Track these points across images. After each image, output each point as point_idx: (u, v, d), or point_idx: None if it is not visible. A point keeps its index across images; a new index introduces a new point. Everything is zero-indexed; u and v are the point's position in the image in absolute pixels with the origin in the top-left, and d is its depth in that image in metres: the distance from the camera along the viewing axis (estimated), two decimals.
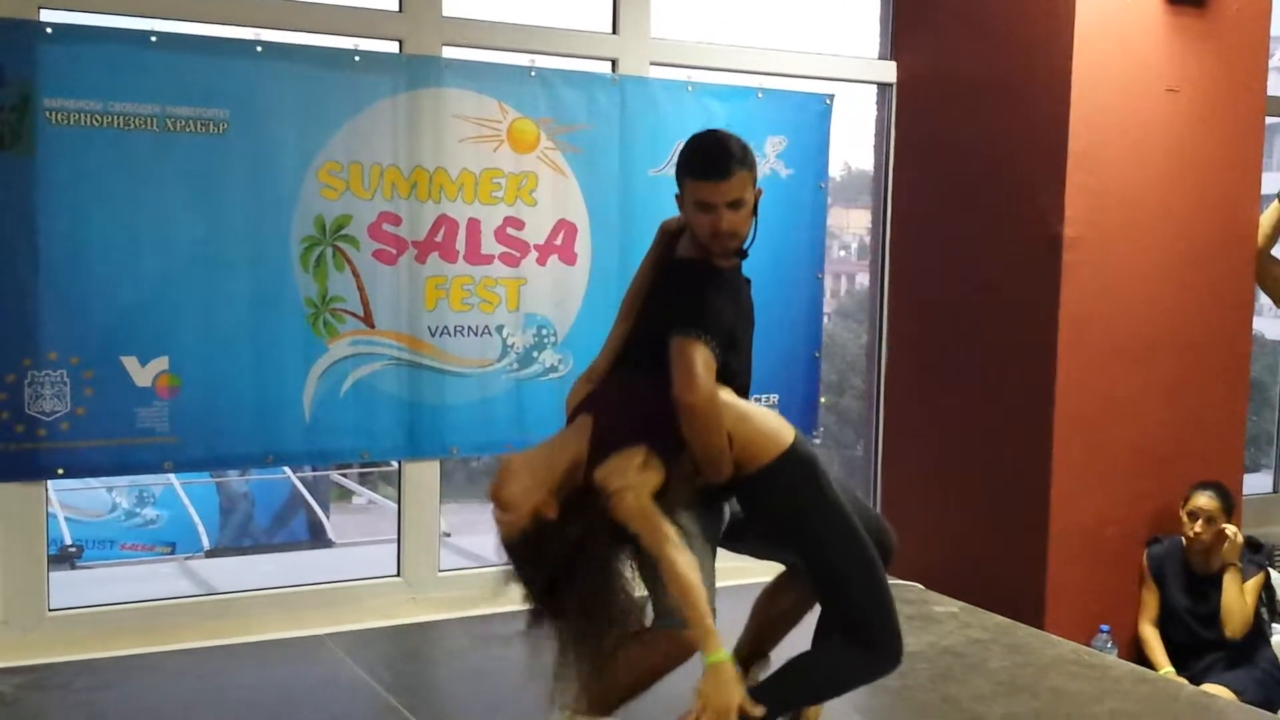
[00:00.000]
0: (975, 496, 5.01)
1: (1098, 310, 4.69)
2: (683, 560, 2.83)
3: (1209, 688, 4.37)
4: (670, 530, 2.85)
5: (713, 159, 2.97)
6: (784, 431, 3.04)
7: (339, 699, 3.76)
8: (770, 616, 3.37)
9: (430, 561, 4.68)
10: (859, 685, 3.19)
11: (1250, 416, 5.86)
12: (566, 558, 2.90)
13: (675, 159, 3.08)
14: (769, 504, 3.07)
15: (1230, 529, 4.65)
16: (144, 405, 4.13)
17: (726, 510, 3.24)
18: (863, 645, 3.03)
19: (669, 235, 3.22)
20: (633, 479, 2.86)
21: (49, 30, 3.94)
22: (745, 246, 3.07)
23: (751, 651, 3.39)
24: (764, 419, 3.05)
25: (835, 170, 6.07)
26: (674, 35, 4.98)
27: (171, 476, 9.67)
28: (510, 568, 3.03)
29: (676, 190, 3.04)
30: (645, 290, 3.20)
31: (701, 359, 2.89)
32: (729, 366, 3.01)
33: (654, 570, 2.98)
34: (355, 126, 4.33)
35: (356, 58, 4.37)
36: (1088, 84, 4.59)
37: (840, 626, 3.07)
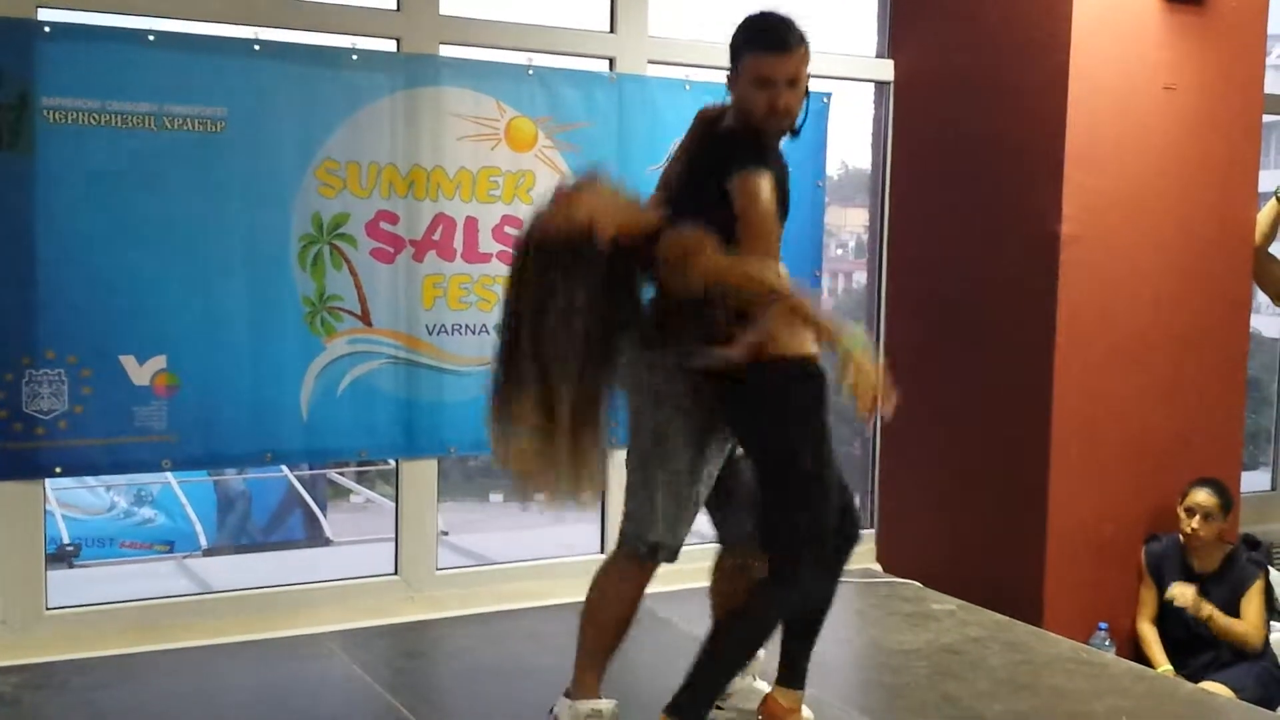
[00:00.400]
0: (973, 494, 5.01)
1: (1096, 308, 4.69)
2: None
3: (1208, 685, 4.38)
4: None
5: (778, 33, 2.99)
6: (810, 342, 3.00)
7: (337, 698, 3.76)
8: (734, 592, 3.34)
9: (428, 560, 4.68)
10: (774, 623, 3.15)
11: (1248, 414, 5.87)
12: (581, 288, 2.91)
13: (734, 34, 3.08)
14: (763, 401, 3.02)
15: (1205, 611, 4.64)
16: (142, 404, 4.12)
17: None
18: (780, 577, 3.04)
19: (706, 122, 3.20)
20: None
21: (47, 29, 3.93)
22: (798, 125, 3.06)
23: None
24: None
25: (833, 169, 6.07)
26: (672, 34, 4.97)
27: (169, 475, 9.66)
28: (517, 266, 3.03)
29: (731, 65, 3.04)
30: (684, 168, 3.16)
31: (766, 183, 2.88)
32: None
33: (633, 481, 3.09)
34: (353, 125, 4.32)
35: (354, 56, 4.37)
36: (1085, 82, 4.59)
37: (771, 545, 3.06)
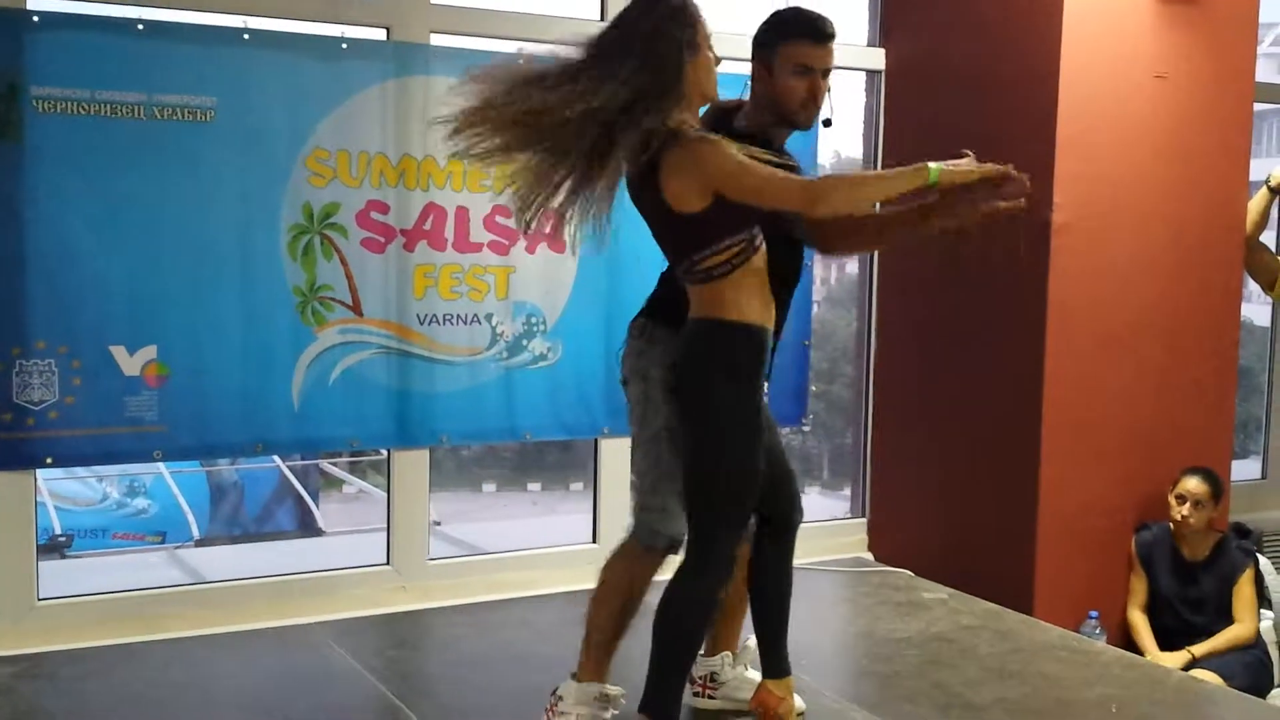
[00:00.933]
0: (964, 483, 5.01)
1: (1087, 296, 4.69)
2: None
3: (1197, 673, 4.39)
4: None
5: (819, 24, 3.13)
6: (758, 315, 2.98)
7: (329, 688, 3.76)
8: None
9: (420, 550, 4.68)
10: (700, 615, 3.08)
11: (1239, 403, 5.87)
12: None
13: (762, 28, 3.20)
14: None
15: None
16: (132, 394, 4.12)
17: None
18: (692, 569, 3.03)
19: (721, 111, 3.26)
20: None
21: (35, 18, 3.92)
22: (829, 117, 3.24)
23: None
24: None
25: (825, 158, 6.06)
26: None
27: (161, 466, 9.66)
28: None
29: (758, 58, 3.15)
30: None
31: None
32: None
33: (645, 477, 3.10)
34: (343, 114, 4.31)
35: (344, 45, 4.36)
36: (1077, 71, 4.60)
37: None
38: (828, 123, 3.25)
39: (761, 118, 3.21)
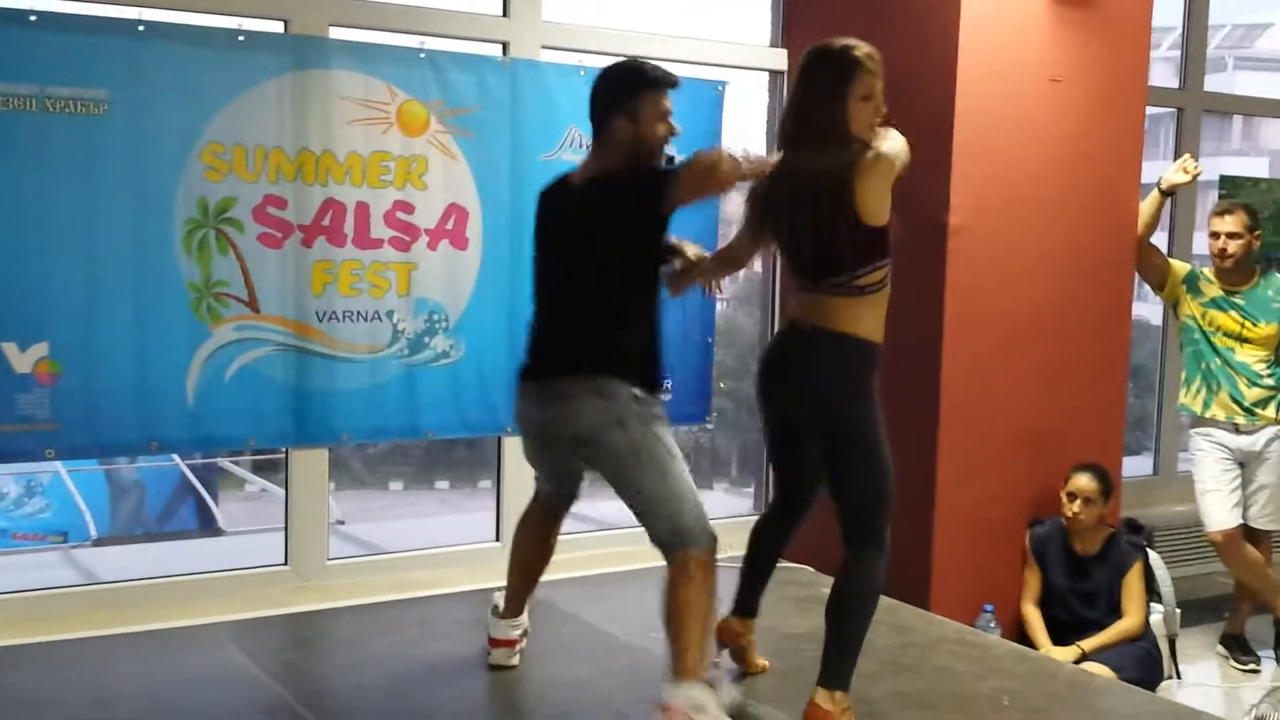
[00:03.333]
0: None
1: (982, 296, 4.77)
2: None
3: (1089, 666, 4.48)
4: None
5: (671, 74, 3.48)
6: None
7: (225, 688, 3.71)
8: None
9: (319, 550, 4.63)
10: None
11: (1135, 400, 6.00)
12: None
13: (616, 83, 3.48)
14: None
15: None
16: (24, 392, 4.03)
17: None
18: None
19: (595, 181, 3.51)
20: None
21: None
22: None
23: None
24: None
25: None
26: (566, 19, 4.96)
27: (59, 465, 9.46)
28: None
29: (619, 109, 3.42)
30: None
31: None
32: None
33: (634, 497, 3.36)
34: (239, 107, 4.25)
35: (240, 37, 4.29)
36: (974, 73, 4.67)
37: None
38: (670, 159, 3.56)
39: (628, 161, 3.44)
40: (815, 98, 3.38)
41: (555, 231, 3.52)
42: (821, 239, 3.30)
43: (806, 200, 3.32)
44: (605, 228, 3.37)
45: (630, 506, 3.40)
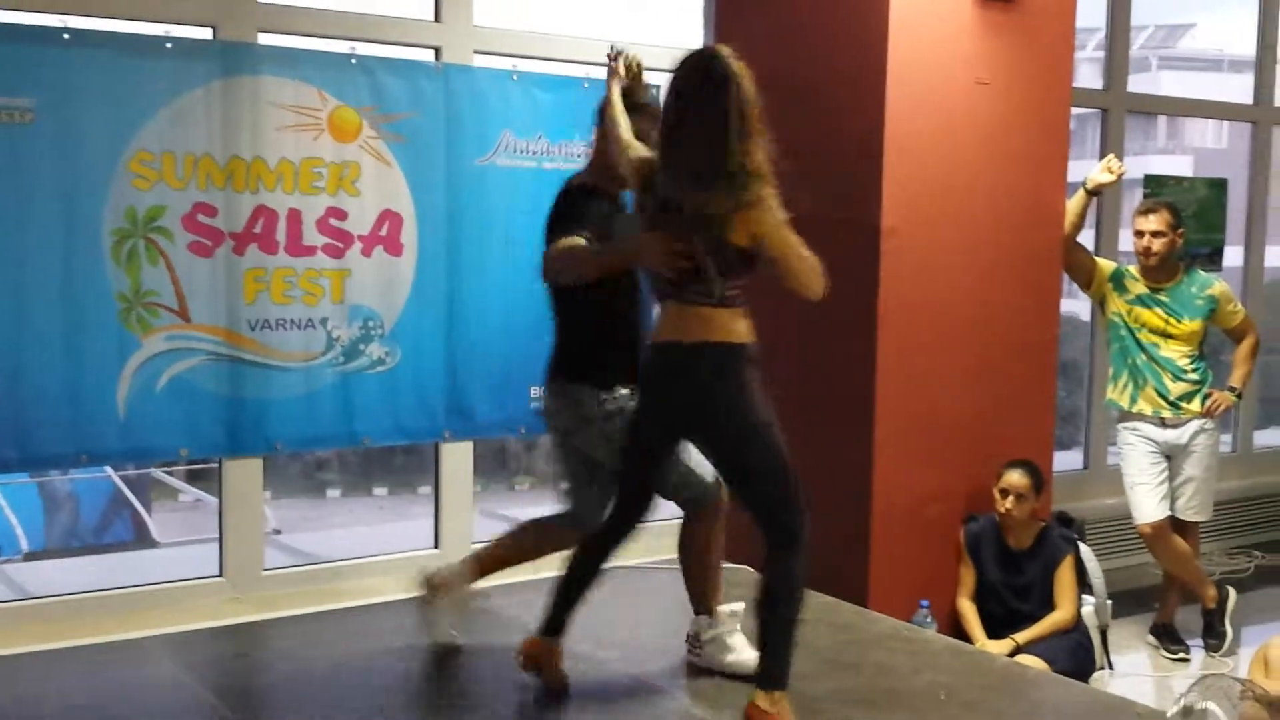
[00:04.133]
0: (802, 480, 5.09)
1: (915, 296, 4.82)
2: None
3: (1022, 658, 4.54)
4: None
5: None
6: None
7: (160, 702, 3.67)
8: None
9: (254, 561, 4.60)
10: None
11: (1066, 395, 6.08)
12: None
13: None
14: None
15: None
16: None
17: None
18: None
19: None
20: None
21: None
22: None
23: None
24: None
25: None
26: (498, 24, 4.96)
27: None
28: None
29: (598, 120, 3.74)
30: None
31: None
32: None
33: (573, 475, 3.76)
34: (168, 115, 4.21)
35: (168, 45, 4.25)
36: (902, 77, 4.71)
37: None
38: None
39: (593, 176, 3.77)
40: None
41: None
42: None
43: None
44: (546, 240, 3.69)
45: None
